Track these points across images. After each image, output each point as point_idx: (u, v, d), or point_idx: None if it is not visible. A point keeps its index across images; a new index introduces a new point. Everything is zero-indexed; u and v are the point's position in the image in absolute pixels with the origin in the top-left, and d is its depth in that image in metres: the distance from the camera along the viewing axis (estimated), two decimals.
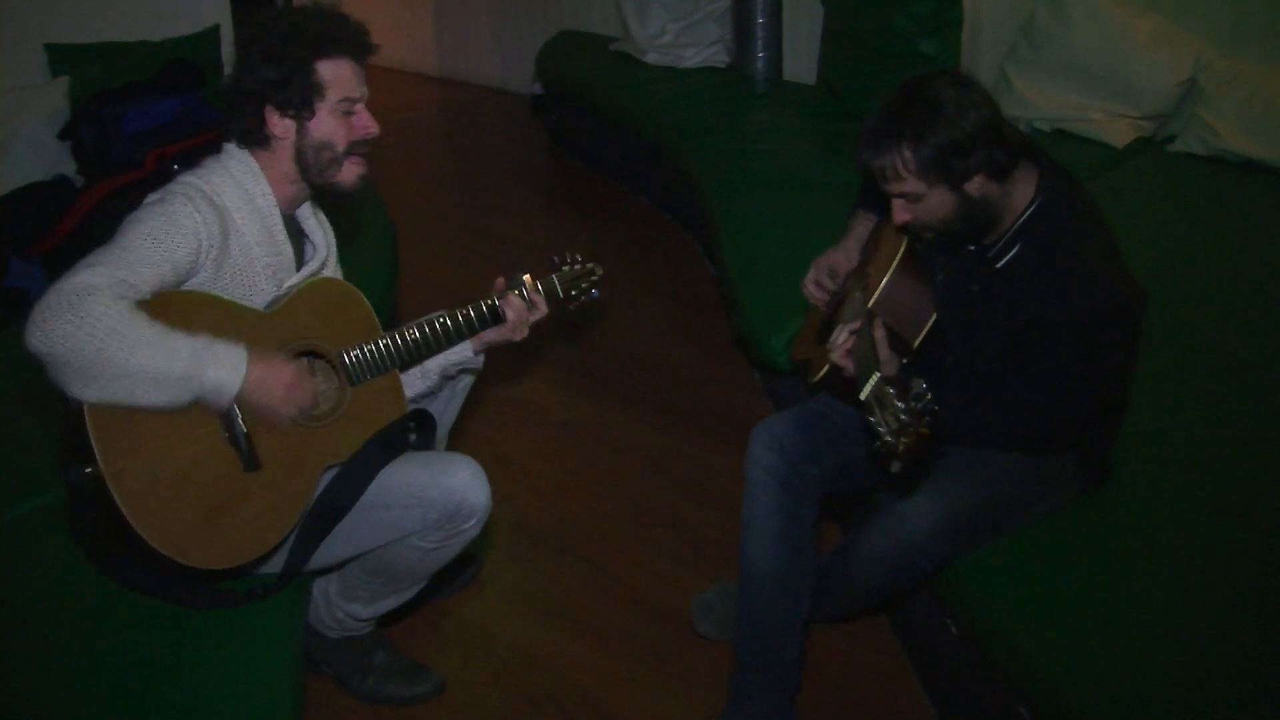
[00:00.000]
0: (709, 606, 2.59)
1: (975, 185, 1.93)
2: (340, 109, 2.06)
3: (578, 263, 2.42)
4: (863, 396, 1.76)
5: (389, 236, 3.87)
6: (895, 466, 1.69)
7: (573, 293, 2.40)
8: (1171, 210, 3.70)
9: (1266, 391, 2.57)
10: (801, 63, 5.31)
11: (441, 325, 2.18)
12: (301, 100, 2.03)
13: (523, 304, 2.26)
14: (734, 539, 2.34)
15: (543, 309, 2.30)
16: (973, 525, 2.07)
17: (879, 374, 1.75)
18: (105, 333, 1.73)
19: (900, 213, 2.00)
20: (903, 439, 1.66)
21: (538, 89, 6.72)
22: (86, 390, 1.77)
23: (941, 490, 2.07)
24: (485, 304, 2.23)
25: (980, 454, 2.10)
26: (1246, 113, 3.83)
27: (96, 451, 1.80)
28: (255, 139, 2.06)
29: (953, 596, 2.13)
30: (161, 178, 3.68)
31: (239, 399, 1.88)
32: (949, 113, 1.89)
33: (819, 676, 2.43)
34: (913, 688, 2.42)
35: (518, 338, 2.27)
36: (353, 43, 2.07)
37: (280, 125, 2.04)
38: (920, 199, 1.96)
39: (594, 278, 2.44)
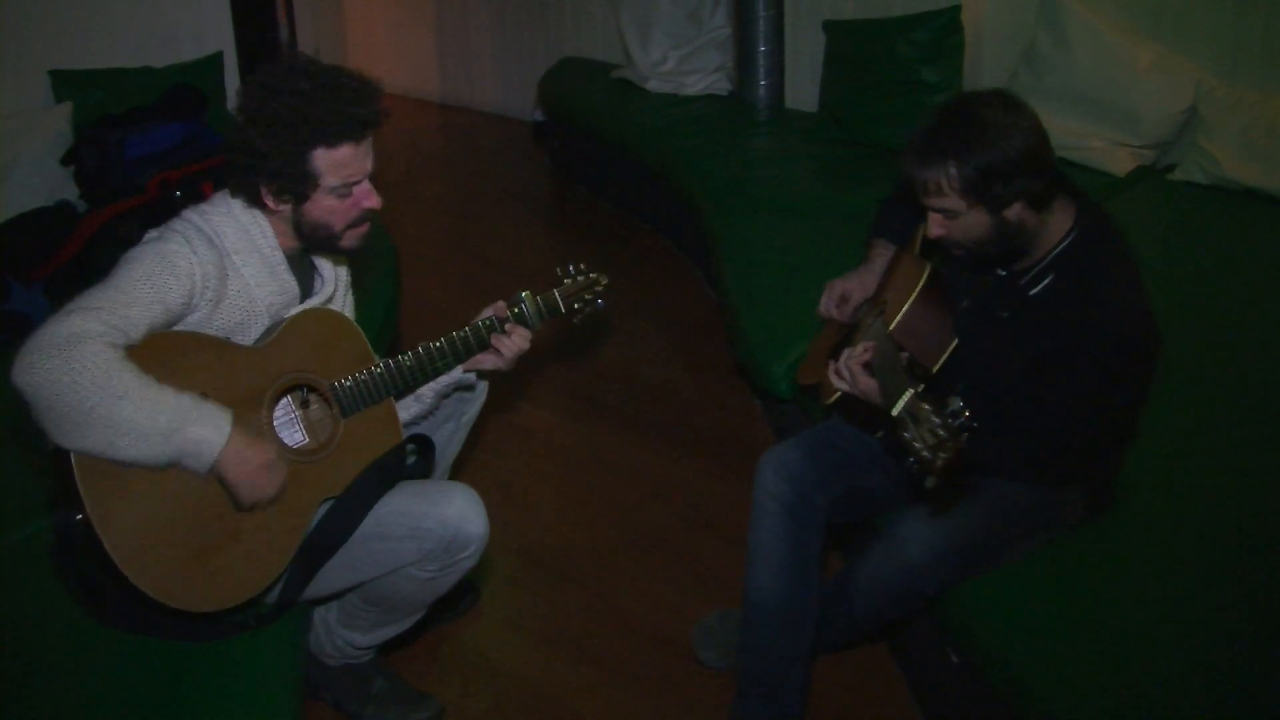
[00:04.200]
0: (710, 633, 2.57)
1: (1014, 211, 1.94)
2: (337, 193, 1.98)
3: (582, 274, 2.40)
4: (895, 413, 1.75)
5: (392, 261, 3.87)
6: (930, 482, 1.68)
7: (575, 305, 2.38)
8: (1172, 239, 3.70)
9: (1269, 419, 2.57)
10: (804, 90, 5.33)
11: (437, 349, 2.16)
12: (295, 188, 1.96)
13: (517, 344, 2.22)
14: (735, 565, 2.33)
15: (525, 345, 2.24)
16: (973, 550, 2.06)
17: (911, 390, 1.75)
18: (90, 380, 1.71)
19: (936, 227, 2.01)
20: (940, 454, 1.65)
21: (539, 115, 6.75)
22: (66, 437, 1.74)
23: (942, 514, 2.06)
24: (483, 326, 2.21)
25: (983, 479, 2.10)
26: (1247, 141, 3.83)
27: (83, 495, 1.77)
28: (252, 201, 2.01)
29: (954, 625, 2.12)
30: (164, 203, 3.74)
31: (214, 466, 1.84)
32: (995, 136, 1.89)
33: (821, 705, 2.41)
34: (914, 717, 2.41)
35: (506, 368, 2.26)
36: (356, 124, 1.95)
37: (274, 201, 1.99)
38: (957, 216, 1.96)
39: (598, 288, 2.42)
